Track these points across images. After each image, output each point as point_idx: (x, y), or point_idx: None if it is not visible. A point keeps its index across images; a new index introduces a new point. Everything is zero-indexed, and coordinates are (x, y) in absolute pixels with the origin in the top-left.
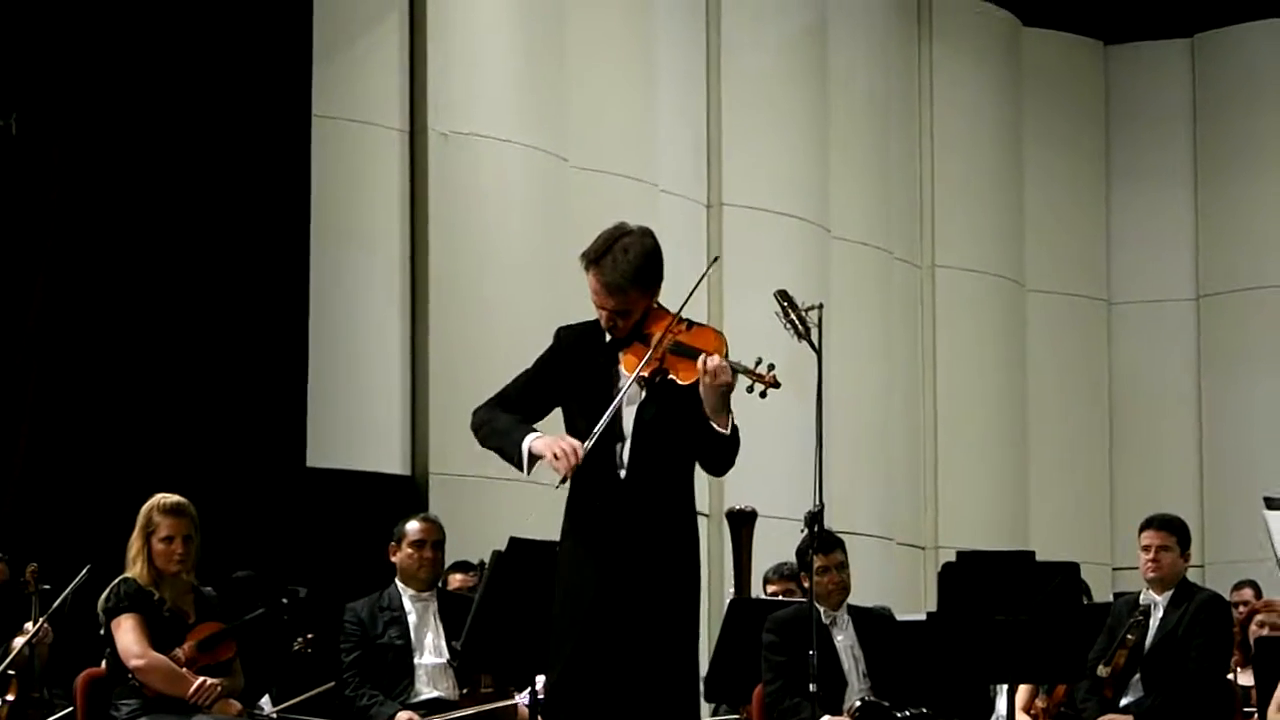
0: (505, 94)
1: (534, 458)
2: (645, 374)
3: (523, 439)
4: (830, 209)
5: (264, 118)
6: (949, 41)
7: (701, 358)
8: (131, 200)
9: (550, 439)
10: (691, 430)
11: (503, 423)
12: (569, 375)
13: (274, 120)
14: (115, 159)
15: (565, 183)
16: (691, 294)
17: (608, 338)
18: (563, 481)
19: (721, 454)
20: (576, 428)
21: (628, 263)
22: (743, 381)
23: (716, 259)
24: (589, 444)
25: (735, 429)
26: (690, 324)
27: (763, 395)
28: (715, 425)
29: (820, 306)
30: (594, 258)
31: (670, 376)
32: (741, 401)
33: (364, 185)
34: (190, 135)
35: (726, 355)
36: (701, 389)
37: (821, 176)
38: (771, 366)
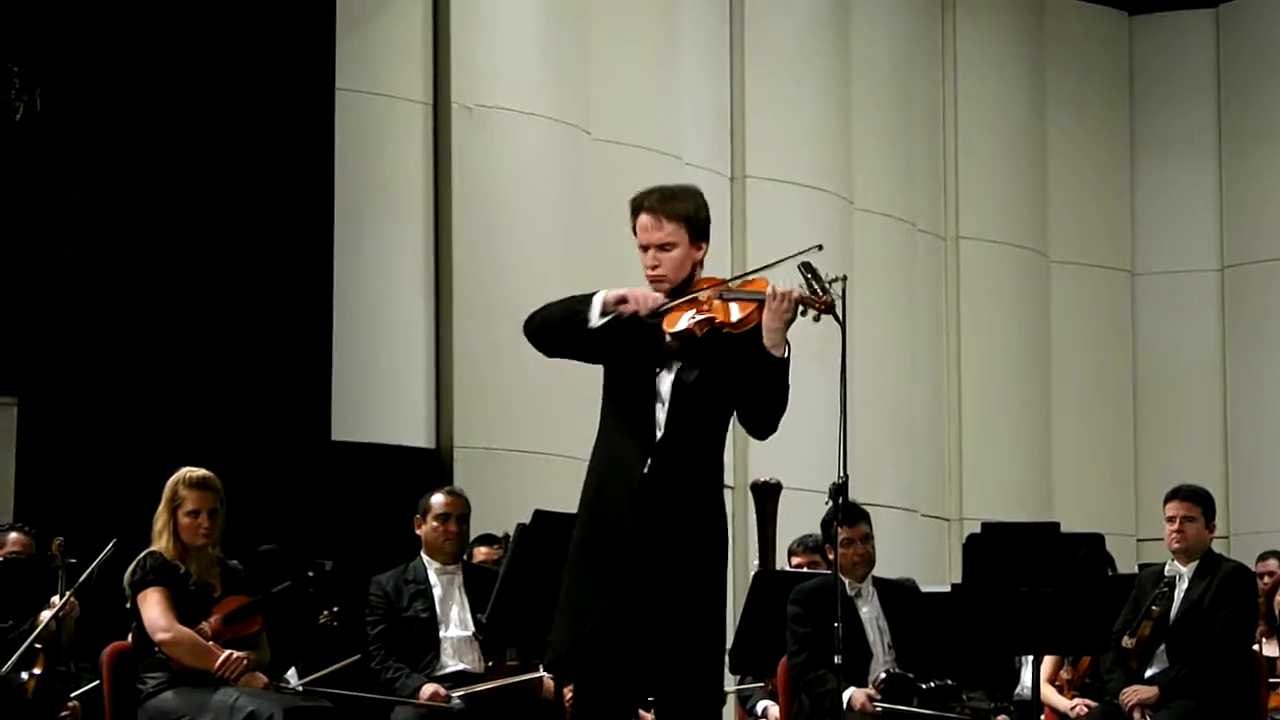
0: (529, 67)
1: (606, 305)
2: (694, 329)
3: (592, 294)
4: (854, 180)
5: (287, 92)
6: (973, 11)
7: (770, 286)
8: (156, 175)
9: (623, 289)
10: (737, 382)
11: (559, 301)
12: (612, 333)
13: (297, 94)
14: (139, 134)
15: (588, 156)
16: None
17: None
18: (633, 319)
19: (774, 387)
20: (620, 386)
21: (680, 199)
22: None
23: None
24: (664, 305)
25: (784, 379)
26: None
27: (816, 319)
28: (771, 350)
29: (844, 278)
30: (643, 196)
31: (718, 322)
32: None
33: (388, 159)
34: (214, 109)
35: None
36: (765, 315)
37: (845, 148)
38: (830, 286)
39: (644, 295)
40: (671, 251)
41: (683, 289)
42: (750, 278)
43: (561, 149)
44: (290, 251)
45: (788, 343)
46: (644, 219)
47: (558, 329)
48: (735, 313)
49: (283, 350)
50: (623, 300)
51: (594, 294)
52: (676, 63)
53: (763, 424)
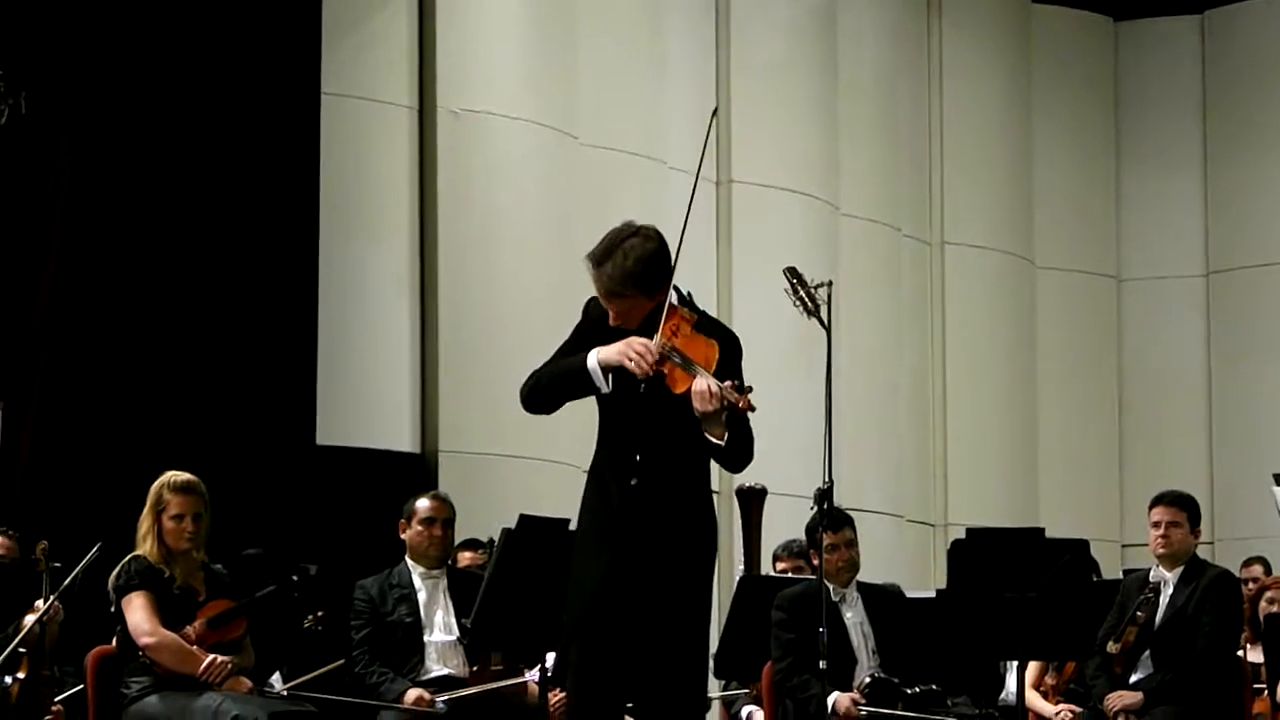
0: (515, 71)
1: (606, 369)
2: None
3: (583, 359)
4: (839, 186)
5: (273, 96)
6: (958, 17)
7: (693, 388)
8: (141, 179)
9: (617, 345)
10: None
11: (551, 365)
12: (599, 344)
13: (283, 98)
14: (125, 138)
15: (575, 159)
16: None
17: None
18: (644, 382)
19: (726, 460)
20: (604, 407)
21: (625, 269)
22: None
23: (715, 111)
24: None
25: (743, 434)
26: (699, 318)
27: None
28: (711, 438)
29: (829, 283)
30: (597, 261)
31: (666, 382)
32: (753, 378)
33: (374, 163)
34: (200, 114)
35: (720, 358)
36: (696, 412)
37: (831, 153)
38: (749, 390)
39: (638, 354)
40: (630, 313)
41: (651, 320)
42: (699, 333)
43: (547, 153)
44: (275, 256)
45: (726, 425)
46: (597, 286)
47: (565, 395)
48: (677, 383)
49: (268, 354)
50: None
51: (584, 360)
52: (662, 67)
53: (726, 468)
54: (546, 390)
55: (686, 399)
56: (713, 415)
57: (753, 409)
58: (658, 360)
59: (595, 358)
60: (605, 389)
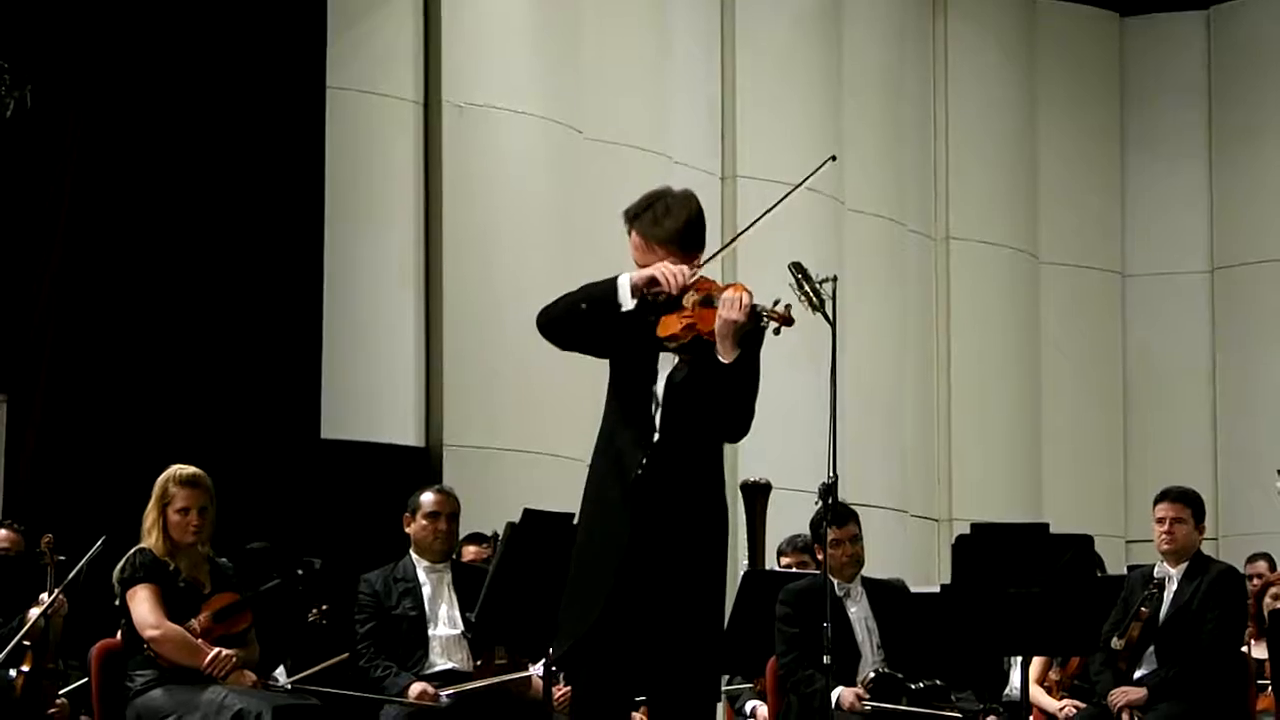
0: (520, 65)
1: (635, 288)
2: (677, 335)
3: (615, 278)
4: (844, 181)
5: (278, 89)
6: (964, 13)
7: (725, 293)
8: (146, 173)
9: (649, 267)
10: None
11: (577, 291)
12: (617, 328)
13: (288, 92)
14: (130, 132)
15: (579, 154)
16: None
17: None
18: (665, 298)
19: (727, 392)
20: (622, 386)
21: (671, 220)
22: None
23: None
24: (693, 278)
25: (747, 368)
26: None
27: (775, 332)
28: (720, 357)
29: (834, 279)
30: (635, 213)
31: (699, 329)
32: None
33: (378, 157)
34: (205, 107)
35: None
36: (716, 321)
37: (836, 148)
38: (788, 306)
39: (671, 273)
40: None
41: (681, 293)
42: (732, 283)
43: (552, 148)
44: (280, 249)
45: (741, 348)
46: (634, 239)
47: (581, 317)
48: (708, 317)
49: (273, 348)
50: (653, 281)
51: (616, 278)
52: (667, 62)
53: (726, 423)
54: (560, 312)
55: (707, 371)
56: (734, 329)
57: (790, 322)
58: (685, 289)
59: (626, 278)
60: (628, 306)
